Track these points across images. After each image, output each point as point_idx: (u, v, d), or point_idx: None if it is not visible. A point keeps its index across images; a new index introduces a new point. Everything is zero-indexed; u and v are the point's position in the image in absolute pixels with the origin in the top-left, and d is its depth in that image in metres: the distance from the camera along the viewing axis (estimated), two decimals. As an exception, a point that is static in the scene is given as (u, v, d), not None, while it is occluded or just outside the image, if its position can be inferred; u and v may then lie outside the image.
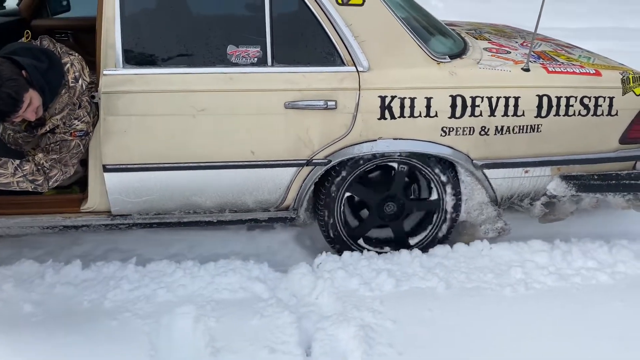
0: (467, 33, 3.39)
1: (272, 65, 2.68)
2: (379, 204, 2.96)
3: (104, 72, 2.59)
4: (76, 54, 2.60)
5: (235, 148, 2.70)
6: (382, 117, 2.72)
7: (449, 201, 2.93)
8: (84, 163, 2.77)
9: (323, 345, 2.35)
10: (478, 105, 2.76)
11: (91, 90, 2.58)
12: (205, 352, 2.31)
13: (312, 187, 2.84)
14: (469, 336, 2.41)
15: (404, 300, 2.60)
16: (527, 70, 2.85)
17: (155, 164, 2.67)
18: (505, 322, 2.49)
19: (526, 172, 2.92)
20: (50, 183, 2.58)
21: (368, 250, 2.97)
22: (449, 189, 2.91)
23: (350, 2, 2.69)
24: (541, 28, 2.95)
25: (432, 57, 2.79)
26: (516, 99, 2.78)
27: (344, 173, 2.83)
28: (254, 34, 2.67)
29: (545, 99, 2.80)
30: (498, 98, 2.77)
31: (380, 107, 2.71)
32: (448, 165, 2.89)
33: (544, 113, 2.81)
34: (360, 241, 3.00)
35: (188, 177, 2.72)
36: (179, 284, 2.69)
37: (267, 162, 2.74)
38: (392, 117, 2.73)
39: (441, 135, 2.78)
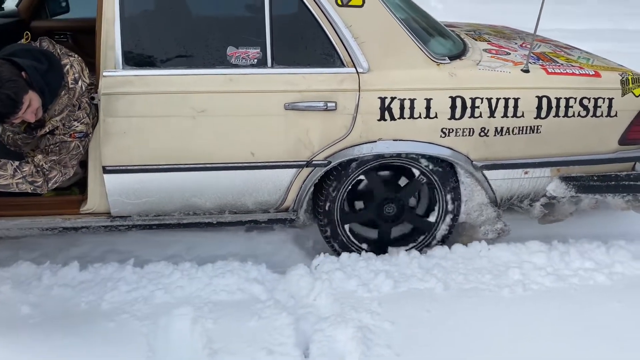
0: (466, 34, 3.39)
1: (272, 67, 2.68)
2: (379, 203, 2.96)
3: (104, 74, 2.58)
4: (76, 56, 2.60)
5: (235, 149, 2.70)
6: (382, 118, 2.73)
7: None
8: (83, 164, 2.77)
9: (321, 347, 2.35)
10: (478, 107, 2.76)
11: (91, 92, 2.58)
12: (202, 353, 2.31)
13: (312, 189, 2.84)
14: (467, 337, 2.41)
15: (402, 302, 2.60)
16: (527, 71, 2.85)
17: (155, 165, 2.67)
18: (503, 322, 2.49)
19: (526, 173, 2.92)
20: (50, 184, 2.57)
21: (352, 241, 2.96)
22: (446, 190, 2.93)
23: (349, 4, 2.69)
24: (540, 29, 2.95)
25: (432, 58, 2.79)
26: (516, 100, 2.79)
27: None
28: (254, 35, 2.67)
29: (544, 100, 2.81)
30: (498, 99, 2.77)
31: (380, 108, 2.71)
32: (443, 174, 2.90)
33: (543, 114, 2.81)
34: (346, 227, 2.98)
35: (188, 179, 2.72)
36: (177, 285, 2.69)
37: (267, 163, 2.74)
38: (392, 118, 2.73)
39: (441, 136, 2.78)
